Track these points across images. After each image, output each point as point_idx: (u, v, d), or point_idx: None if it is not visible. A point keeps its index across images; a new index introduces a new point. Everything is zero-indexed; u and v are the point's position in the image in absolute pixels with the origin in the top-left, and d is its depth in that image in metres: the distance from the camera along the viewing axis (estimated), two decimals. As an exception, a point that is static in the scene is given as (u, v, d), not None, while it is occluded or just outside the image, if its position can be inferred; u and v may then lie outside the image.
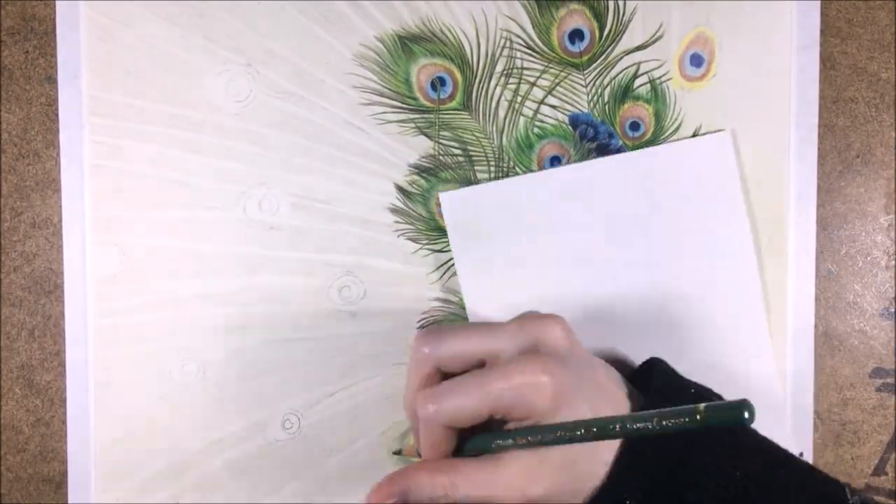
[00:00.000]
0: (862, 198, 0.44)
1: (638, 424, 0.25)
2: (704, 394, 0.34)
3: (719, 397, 0.34)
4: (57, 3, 0.40)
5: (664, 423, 0.24)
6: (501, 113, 0.42)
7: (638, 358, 0.40)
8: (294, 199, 0.41)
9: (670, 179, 0.41)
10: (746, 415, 0.21)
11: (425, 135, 0.41)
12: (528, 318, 0.32)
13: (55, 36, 0.40)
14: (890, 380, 0.44)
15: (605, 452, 0.30)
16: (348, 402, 0.42)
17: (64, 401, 0.41)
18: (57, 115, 0.40)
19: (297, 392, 0.41)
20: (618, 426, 0.26)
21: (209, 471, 0.41)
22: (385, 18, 0.41)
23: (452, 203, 0.41)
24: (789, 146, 0.43)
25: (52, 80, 0.40)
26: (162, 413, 0.41)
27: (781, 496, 0.30)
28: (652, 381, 0.33)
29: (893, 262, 0.44)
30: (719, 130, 0.42)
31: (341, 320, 0.41)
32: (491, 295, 0.41)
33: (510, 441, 0.29)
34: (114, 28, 0.40)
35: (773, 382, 0.42)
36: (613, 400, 0.32)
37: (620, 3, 0.42)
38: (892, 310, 0.44)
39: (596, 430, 0.27)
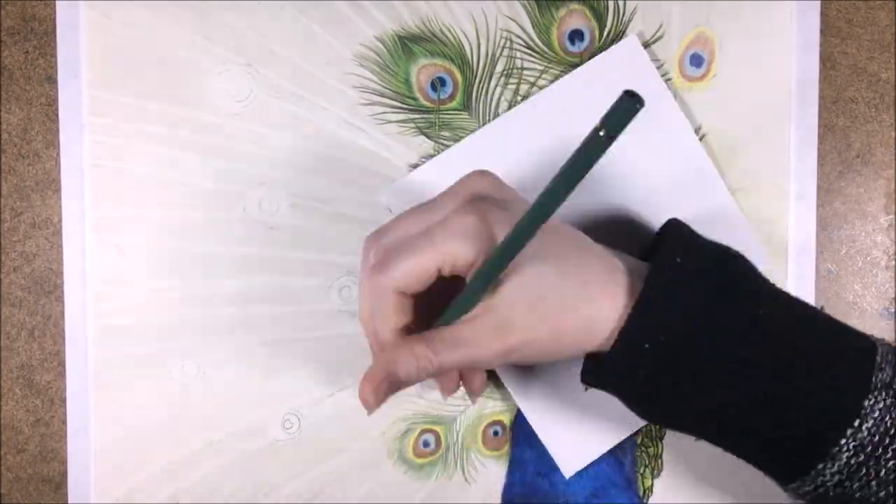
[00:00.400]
0: (862, 198, 0.44)
1: (563, 172, 0.25)
2: (723, 250, 0.32)
3: (742, 256, 0.32)
4: (57, 3, 0.40)
5: (579, 157, 0.24)
6: (501, 113, 0.42)
7: None
8: (294, 199, 0.41)
9: (596, 99, 0.40)
10: (638, 106, 0.22)
11: (425, 135, 0.41)
12: (457, 181, 0.32)
13: (55, 36, 0.40)
14: (890, 380, 0.44)
15: (598, 288, 0.30)
16: (348, 402, 0.42)
17: (64, 401, 0.41)
18: (57, 115, 0.40)
19: (297, 392, 0.41)
20: (551, 187, 0.25)
21: (209, 471, 0.41)
22: (385, 18, 0.41)
23: (396, 197, 0.40)
24: (789, 146, 0.43)
25: (52, 80, 0.40)
26: (162, 413, 0.41)
27: (809, 342, 0.29)
28: (665, 242, 0.32)
29: (893, 262, 0.44)
30: (627, 36, 0.41)
31: (341, 320, 0.41)
32: None
33: (474, 283, 0.29)
34: (114, 28, 0.40)
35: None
36: (596, 268, 0.31)
37: (620, 3, 0.42)
38: (892, 310, 0.44)
39: (539, 207, 0.26)
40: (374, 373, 0.30)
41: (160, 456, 0.41)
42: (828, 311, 0.42)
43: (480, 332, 0.30)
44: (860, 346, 0.30)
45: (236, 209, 0.41)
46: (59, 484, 0.41)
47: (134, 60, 0.40)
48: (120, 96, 0.40)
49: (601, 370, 0.30)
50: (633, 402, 0.31)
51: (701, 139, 0.42)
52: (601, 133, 0.23)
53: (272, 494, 0.42)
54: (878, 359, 0.29)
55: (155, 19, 0.40)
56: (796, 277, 0.43)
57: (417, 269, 0.30)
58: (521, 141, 0.41)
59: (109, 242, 0.40)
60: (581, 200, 0.40)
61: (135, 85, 0.40)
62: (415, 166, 0.41)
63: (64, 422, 0.41)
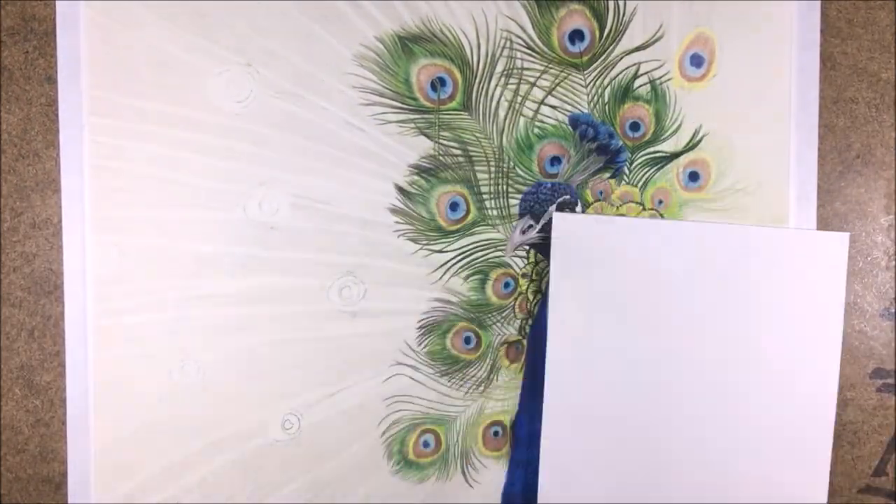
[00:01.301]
0: (862, 198, 0.44)
1: None
2: None
3: None
4: (57, 3, 0.40)
5: None
6: (501, 113, 0.42)
7: None
8: (294, 199, 0.41)
9: (779, 267, 0.41)
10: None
11: (425, 135, 0.41)
12: None
13: (55, 36, 0.40)
14: (890, 380, 0.44)
15: None
16: (348, 402, 0.42)
17: (64, 401, 0.41)
18: (57, 115, 0.40)
19: (297, 392, 0.41)
20: None
21: (209, 471, 0.41)
22: (385, 18, 0.41)
23: (565, 224, 0.41)
24: (789, 146, 0.43)
25: (52, 80, 0.40)
26: (162, 413, 0.41)
27: None
28: None
29: (893, 263, 0.44)
30: (841, 232, 0.42)
31: (341, 320, 0.41)
32: (575, 326, 0.41)
33: None
34: (114, 28, 0.40)
35: None
36: None
37: (620, 3, 0.42)
38: (893, 310, 0.44)
39: None
40: None
41: (160, 456, 0.41)
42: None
43: None
44: None
45: (236, 209, 0.41)
46: (59, 484, 0.41)
47: (134, 60, 0.40)
48: (120, 96, 0.40)
49: None
50: None
51: (701, 139, 0.42)
52: None
53: (272, 494, 0.42)
54: None
55: (155, 19, 0.40)
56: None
57: None
58: (700, 253, 0.41)
59: (109, 242, 0.40)
60: None
61: (135, 85, 0.40)
62: (415, 166, 0.41)
63: (64, 422, 0.41)
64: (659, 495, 0.41)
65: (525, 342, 0.43)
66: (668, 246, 0.41)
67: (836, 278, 0.41)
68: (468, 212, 0.42)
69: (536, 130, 0.42)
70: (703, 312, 0.41)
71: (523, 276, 0.43)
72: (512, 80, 0.41)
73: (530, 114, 0.42)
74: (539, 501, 0.41)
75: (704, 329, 0.41)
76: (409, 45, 0.41)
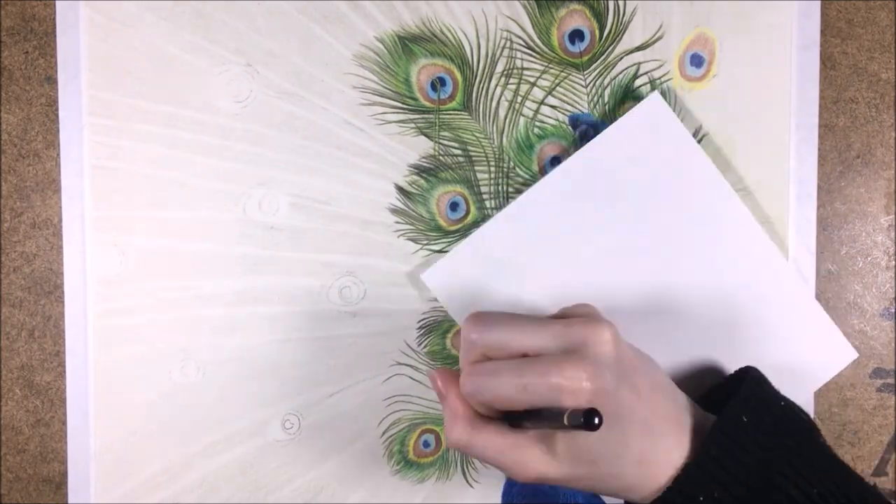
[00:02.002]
0: (862, 198, 0.44)
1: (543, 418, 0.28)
2: (792, 409, 0.33)
3: (806, 414, 0.34)
4: (57, 3, 0.40)
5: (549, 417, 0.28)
6: (501, 113, 0.42)
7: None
8: (294, 199, 0.41)
9: (625, 162, 0.40)
10: (596, 420, 0.25)
11: (425, 135, 0.41)
12: (577, 320, 0.32)
13: (55, 36, 0.40)
14: (890, 380, 0.44)
15: (630, 459, 0.30)
16: (348, 402, 0.42)
17: (64, 401, 0.41)
18: (57, 115, 0.40)
19: (297, 392, 0.41)
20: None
21: (209, 471, 0.41)
22: (385, 18, 0.41)
23: (438, 279, 0.40)
24: (789, 146, 0.43)
25: (52, 80, 0.40)
26: (162, 413, 0.41)
27: None
28: (739, 392, 0.33)
29: (893, 263, 0.44)
30: (650, 95, 0.41)
31: (341, 320, 0.41)
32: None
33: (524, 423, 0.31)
34: (114, 28, 0.40)
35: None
36: (661, 413, 0.31)
37: (620, 3, 0.42)
38: (893, 310, 0.44)
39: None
40: (440, 378, 0.33)
41: (160, 456, 0.41)
42: (828, 311, 0.42)
43: (526, 454, 0.31)
44: None
45: (236, 209, 0.41)
46: (59, 484, 0.41)
47: (134, 60, 0.40)
48: (120, 96, 0.40)
49: None
50: None
51: (701, 139, 0.42)
52: (565, 422, 0.27)
53: (272, 494, 0.42)
54: None
55: (155, 19, 0.40)
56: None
57: (504, 400, 0.30)
58: (558, 210, 0.41)
59: (109, 242, 0.40)
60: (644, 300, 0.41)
61: (135, 85, 0.40)
62: (415, 166, 0.41)
63: (64, 422, 0.41)
64: None
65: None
66: (527, 226, 0.41)
67: (682, 136, 0.41)
68: (468, 212, 0.42)
69: (536, 130, 0.42)
70: (604, 255, 0.41)
71: (523, 276, 0.43)
72: (512, 80, 0.41)
73: (530, 114, 0.42)
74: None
75: (615, 265, 0.41)
76: (409, 45, 0.41)
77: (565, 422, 0.26)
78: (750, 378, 0.34)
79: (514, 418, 0.31)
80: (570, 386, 0.29)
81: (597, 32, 0.42)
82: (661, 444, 0.31)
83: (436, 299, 0.42)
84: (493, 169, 0.42)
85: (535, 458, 0.30)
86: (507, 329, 0.31)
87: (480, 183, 0.42)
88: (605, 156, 0.40)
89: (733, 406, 0.32)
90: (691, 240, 0.41)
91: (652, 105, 0.40)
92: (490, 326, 0.32)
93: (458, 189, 0.42)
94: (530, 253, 0.40)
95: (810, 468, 0.30)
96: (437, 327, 0.42)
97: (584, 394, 0.29)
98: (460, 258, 0.40)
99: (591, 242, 0.41)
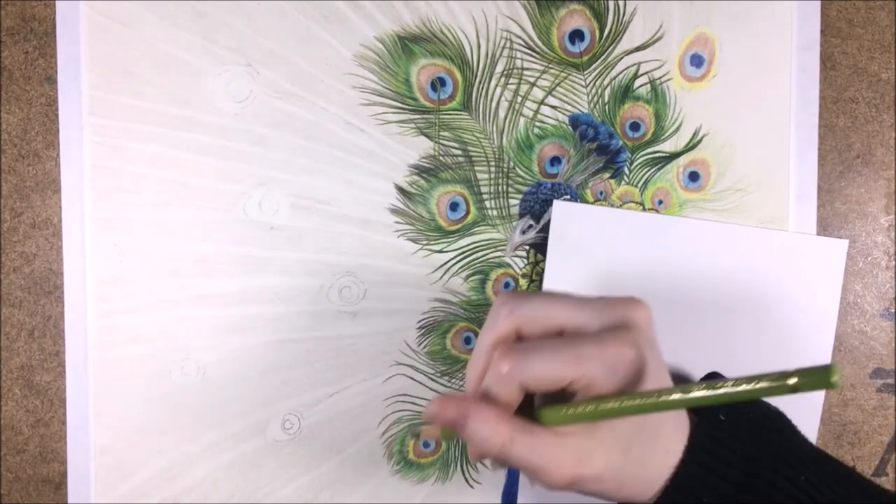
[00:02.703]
0: (862, 198, 0.44)
1: (722, 390, 0.25)
2: (763, 408, 0.33)
3: (782, 414, 0.34)
4: (57, 3, 0.40)
5: (753, 385, 0.24)
6: (501, 113, 0.42)
7: None
8: (294, 199, 0.41)
9: (775, 269, 0.42)
10: (834, 378, 0.21)
11: (425, 135, 0.41)
12: (618, 298, 0.31)
13: (55, 36, 0.40)
14: (890, 380, 0.44)
15: (667, 441, 0.30)
16: (348, 402, 0.42)
17: (64, 401, 0.41)
18: (57, 115, 0.40)
19: (297, 392, 0.41)
20: (703, 391, 0.25)
21: (209, 471, 0.41)
22: (385, 18, 0.41)
23: (563, 213, 0.41)
24: (789, 146, 0.43)
25: (52, 80, 0.40)
26: (162, 413, 0.41)
27: None
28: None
29: (893, 263, 0.44)
30: (840, 238, 0.42)
31: (341, 320, 0.41)
32: None
33: (585, 408, 0.28)
34: (114, 28, 0.40)
35: None
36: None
37: (620, 3, 0.42)
38: (893, 310, 0.44)
39: (675, 397, 0.26)
40: (454, 405, 0.29)
41: (160, 456, 0.41)
42: (828, 311, 0.42)
43: (561, 453, 0.29)
44: None
45: (236, 209, 0.41)
46: (58, 484, 0.41)
47: (134, 60, 0.40)
48: (120, 96, 0.40)
49: None
50: None
51: (701, 139, 0.42)
52: (789, 382, 0.23)
53: (272, 494, 0.42)
54: None
55: (155, 19, 0.40)
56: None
57: (552, 380, 0.28)
58: (696, 250, 0.42)
59: (109, 242, 0.40)
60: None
61: (135, 85, 0.40)
62: (415, 166, 0.41)
63: (64, 422, 0.41)
64: None
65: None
66: (666, 240, 0.41)
67: (833, 283, 0.41)
68: (468, 212, 0.42)
69: (536, 130, 0.42)
70: (698, 309, 0.41)
71: (523, 276, 0.43)
72: (512, 80, 0.41)
73: (530, 114, 0.42)
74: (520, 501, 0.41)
75: (698, 326, 0.41)
76: (409, 45, 0.41)
77: (793, 383, 0.23)
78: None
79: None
80: (625, 358, 0.28)
81: (597, 32, 0.42)
82: (673, 437, 0.30)
83: (436, 299, 0.42)
84: (493, 169, 0.42)
85: (573, 451, 0.29)
86: (545, 302, 0.30)
87: (480, 183, 0.42)
88: (764, 248, 0.42)
89: (707, 413, 0.31)
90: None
91: (834, 247, 0.42)
92: (528, 299, 0.30)
93: (458, 189, 0.42)
94: (640, 261, 0.41)
95: (792, 457, 0.30)
96: (437, 327, 0.42)
97: (635, 366, 0.28)
98: (597, 215, 0.41)
99: (679, 297, 0.42)
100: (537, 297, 0.30)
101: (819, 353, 0.42)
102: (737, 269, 0.41)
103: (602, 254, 0.41)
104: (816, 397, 0.43)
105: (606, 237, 0.41)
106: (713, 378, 0.35)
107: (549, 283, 0.41)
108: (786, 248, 0.42)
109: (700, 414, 0.31)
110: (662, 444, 0.30)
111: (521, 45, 0.41)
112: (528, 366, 0.28)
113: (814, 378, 0.22)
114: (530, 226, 0.42)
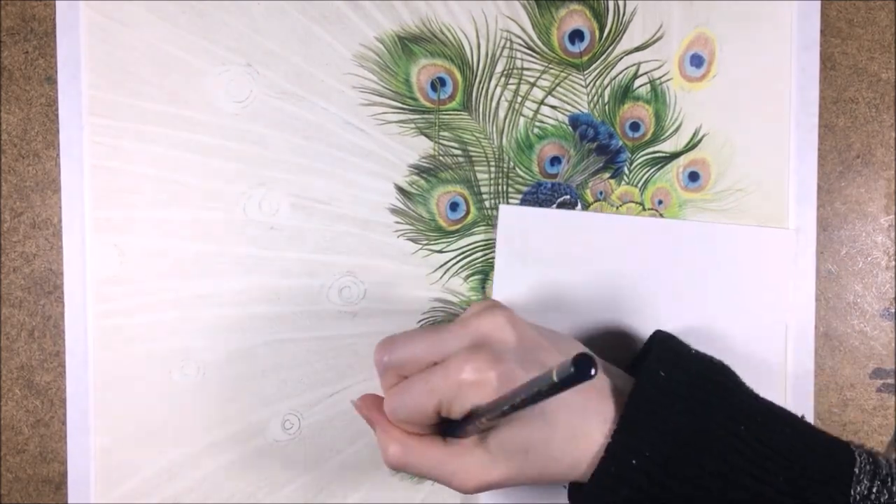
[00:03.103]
0: (862, 198, 0.44)
1: (517, 399, 0.26)
2: (707, 361, 0.34)
3: (727, 367, 0.34)
4: (57, 3, 0.40)
5: (533, 390, 0.25)
6: (501, 113, 0.42)
7: None
8: (294, 199, 0.41)
9: (725, 260, 0.42)
10: (593, 371, 0.22)
11: (425, 135, 0.41)
12: (471, 316, 0.32)
13: (55, 36, 0.40)
14: (890, 380, 0.44)
15: (559, 440, 0.31)
16: (348, 402, 0.42)
17: (64, 401, 0.41)
18: (57, 115, 0.40)
19: (297, 392, 0.41)
20: (508, 403, 0.27)
21: (209, 471, 0.41)
22: (385, 18, 0.41)
23: (509, 217, 0.41)
24: (789, 146, 0.43)
25: (52, 80, 0.40)
26: (162, 413, 0.41)
27: (789, 458, 0.30)
28: (650, 355, 0.33)
29: (894, 263, 0.44)
30: (784, 228, 0.42)
31: (341, 320, 0.41)
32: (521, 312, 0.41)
33: (463, 429, 0.31)
34: (114, 28, 0.40)
35: None
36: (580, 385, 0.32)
37: (620, 3, 0.42)
38: (893, 310, 0.44)
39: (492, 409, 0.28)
40: (370, 405, 0.34)
41: (160, 456, 0.41)
42: (828, 311, 0.42)
43: (468, 462, 0.31)
44: (839, 460, 0.31)
45: (236, 209, 0.41)
46: (59, 484, 0.41)
47: (134, 60, 0.40)
48: (120, 96, 0.40)
49: (586, 494, 0.31)
50: None
51: (701, 139, 0.42)
52: (555, 377, 0.24)
53: (272, 494, 0.42)
54: (857, 470, 0.30)
55: (155, 19, 0.40)
56: (797, 278, 0.43)
57: (418, 412, 0.31)
58: (644, 246, 0.42)
59: (109, 242, 0.40)
60: (581, 304, 0.42)
61: (135, 85, 0.40)
62: (415, 167, 0.41)
63: (64, 422, 0.41)
64: None
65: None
66: (615, 240, 0.41)
67: (782, 275, 0.42)
68: (468, 212, 0.42)
69: (536, 130, 0.42)
70: (651, 304, 0.41)
71: (523, 276, 0.43)
72: (512, 81, 0.41)
73: (530, 114, 0.42)
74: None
75: (650, 322, 0.41)
76: (409, 45, 0.41)
77: (554, 378, 0.24)
78: (659, 338, 0.35)
79: (455, 428, 0.32)
80: (475, 379, 0.29)
81: (597, 32, 0.42)
82: (587, 416, 0.31)
83: (436, 299, 0.42)
84: (492, 169, 0.42)
85: (474, 463, 0.31)
86: (412, 344, 0.32)
87: (480, 183, 0.42)
88: (712, 239, 0.42)
89: (648, 364, 0.32)
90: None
91: (782, 237, 0.42)
92: (396, 346, 0.32)
93: (458, 189, 0.42)
94: (589, 261, 0.41)
95: (733, 408, 0.31)
96: (437, 327, 0.42)
97: (490, 382, 0.29)
98: (544, 218, 0.41)
99: (629, 292, 0.42)
100: (402, 341, 0.32)
101: (776, 345, 0.42)
102: (685, 264, 0.41)
103: (551, 256, 0.41)
104: (807, 399, 0.43)
105: (554, 239, 0.41)
106: (658, 341, 0.35)
107: (498, 291, 0.41)
108: (732, 242, 0.42)
109: (640, 373, 0.32)
110: (577, 437, 0.31)
111: (521, 45, 0.41)
112: (399, 408, 0.31)
113: (570, 370, 0.23)
114: None
